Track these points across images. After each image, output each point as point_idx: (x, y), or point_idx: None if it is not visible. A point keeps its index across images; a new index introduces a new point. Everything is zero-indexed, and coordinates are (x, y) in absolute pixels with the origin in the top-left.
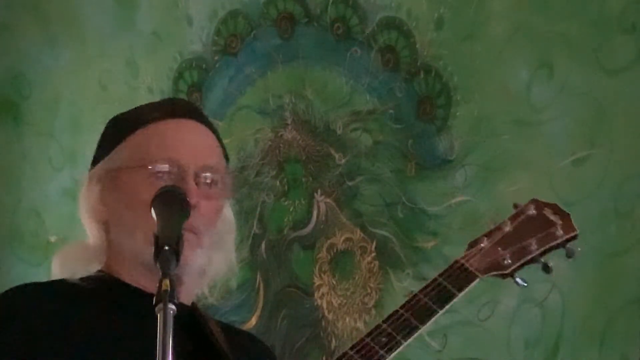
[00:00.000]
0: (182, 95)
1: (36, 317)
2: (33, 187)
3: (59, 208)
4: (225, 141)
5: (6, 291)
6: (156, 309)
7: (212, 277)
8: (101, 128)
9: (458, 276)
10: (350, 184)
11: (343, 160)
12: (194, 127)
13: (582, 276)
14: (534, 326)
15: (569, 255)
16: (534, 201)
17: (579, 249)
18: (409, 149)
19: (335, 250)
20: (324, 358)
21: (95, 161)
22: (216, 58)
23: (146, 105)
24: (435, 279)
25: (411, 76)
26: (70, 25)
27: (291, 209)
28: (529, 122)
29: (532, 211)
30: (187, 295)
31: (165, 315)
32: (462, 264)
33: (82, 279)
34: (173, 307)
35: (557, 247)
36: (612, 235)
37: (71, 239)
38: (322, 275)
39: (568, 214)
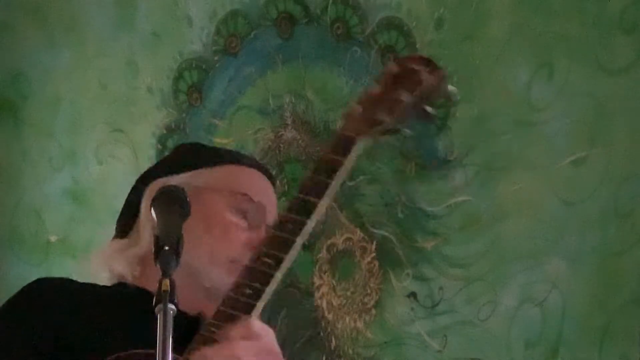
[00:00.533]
0: (182, 95)
1: (63, 313)
2: (33, 187)
3: (59, 208)
4: (225, 141)
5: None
6: (156, 309)
7: None
8: (101, 128)
9: (340, 145)
10: (350, 184)
11: None
12: (269, 186)
13: (582, 276)
14: (534, 326)
15: (446, 95)
16: (395, 59)
17: (455, 89)
18: (409, 149)
19: (335, 250)
20: (324, 358)
21: (167, 169)
22: (216, 58)
23: (223, 149)
24: (320, 157)
25: None
26: (70, 25)
27: None
28: (529, 122)
29: (395, 68)
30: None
31: (165, 315)
32: (341, 133)
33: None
34: (173, 307)
35: (431, 92)
36: (612, 235)
37: (71, 239)
38: (322, 275)
39: (429, 57)
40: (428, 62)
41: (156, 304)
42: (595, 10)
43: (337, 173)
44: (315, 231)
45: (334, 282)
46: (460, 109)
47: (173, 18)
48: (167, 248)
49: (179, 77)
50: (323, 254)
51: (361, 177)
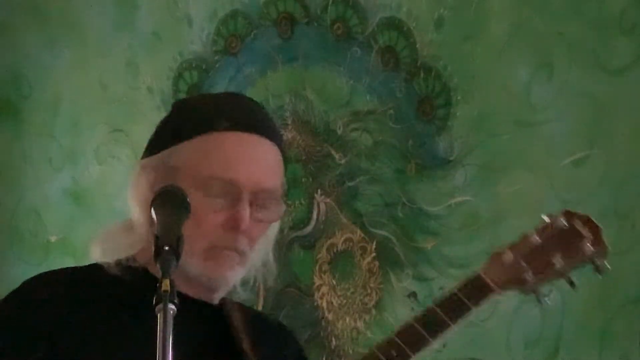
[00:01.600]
0: (182, 96)
1: (64, 305)
2: (33, 187)
3: (59, 208)
4: None
5: (38, 276)
6: (156, 309)
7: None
8: (101, 128)
9: (475, 290)
10: (350, 184)
11: (343, 160)
12: (258, 144)
13: (582, 276)
14: (534, 326)
15: (597, 270)
16: (565, 212)
17: (609, 267)
18: (409, 149)
19: (335, 251)
20: (324, 358)
21: (152, 146)
22: (216, 58)
23: (215, 101)
24: (453, 293)
25: (411, 76)
26: (70, 25)
27: (291, 209)
28: (529, 122)
29: (562, 223)
30: (216, 297)
31: (165, 315)
32: (482, 278)
33: (118, 266)
34: (173, 307)
35: (584, 262)
36: (612, 235)
37: (71, 239)
38: (322, 275)
39: (598, 227)
40: (595, 229)
41: (156, 303)
42: (595, 10)
43: (462, 318)
44: (315, 231)
45: (334, 282)
46: (460, 109)
47: (173, 18)
48: (167, 248)
49: (179, 77)
50: (323, 254)
51: (361, 177)
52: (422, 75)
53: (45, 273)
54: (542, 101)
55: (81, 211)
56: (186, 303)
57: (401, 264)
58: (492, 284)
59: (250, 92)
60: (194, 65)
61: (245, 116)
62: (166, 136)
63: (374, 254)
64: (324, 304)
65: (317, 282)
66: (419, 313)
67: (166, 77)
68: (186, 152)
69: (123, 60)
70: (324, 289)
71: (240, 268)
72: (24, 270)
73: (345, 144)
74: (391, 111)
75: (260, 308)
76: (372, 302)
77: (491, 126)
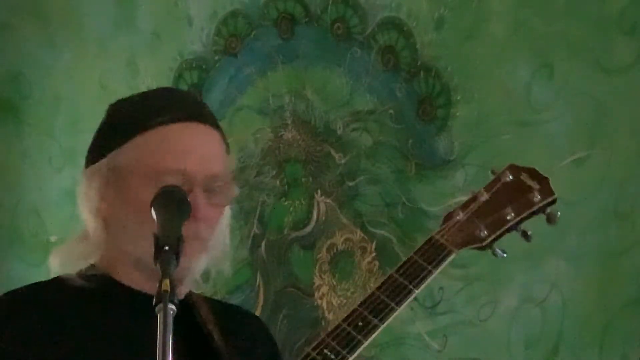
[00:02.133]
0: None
1: (31, 322)
2: (33, 187)
3: (59, 208)
4: None
5: (1, 297)
6: (156, 309)
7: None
8: None
9: (433, 252)
10: (350, 184)
11: (343, 160)
12: (201, 132)
13: (582, 276)
14: (534, 326)
15: (549, 219)
16: (511, 166)
17: (559, 213)
18: (409, 149)
19: (335, 251)
20: None
21: (95, 152)
22: (216, 58)
23: (150, 97)
24: (410, 257)
25: (411, 76)
26: (70, 25)
27: (291, 209)
28: (529, 122)
29: (508, 177)
30: (184, 290)
31: (165, 315)
32: (437, 240)
33: (79, 275)
34: (173, 307)
35: (536, 213)
36: (612, 235)
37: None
38: (322, 275)
39: (546, 177)
40: (543, 180)
41: (156, 303)
42: (595, 10)
43: (424, 282)
44: (315, 231)
45: (334, 282)
46: (460, 109)
47: (173, 18)
48: (167, 248)
49: (179, 77)
50: (323, 254)
51: (361, 177)
52: (422, 75)
53: (6, 294)
54: (542, 101)
55: None
56: (147, 301)
57: None
58: (448, 245)
59: (250, 92)
60: (194, 65)
61: (183, 107)
62: (107, 140)
63: (374, 254)
64: (324, 304)
65: (317, 282)
66: (381, 282)
67: (166, 77)
68: (132, 150)
69: (123, 60)
70: (324, 289)
71: (203, 256)
72: (23, 270)
73: (345, 144)
74: (391, 111)
75: (260, 308)
76: None
77: (491, 126)
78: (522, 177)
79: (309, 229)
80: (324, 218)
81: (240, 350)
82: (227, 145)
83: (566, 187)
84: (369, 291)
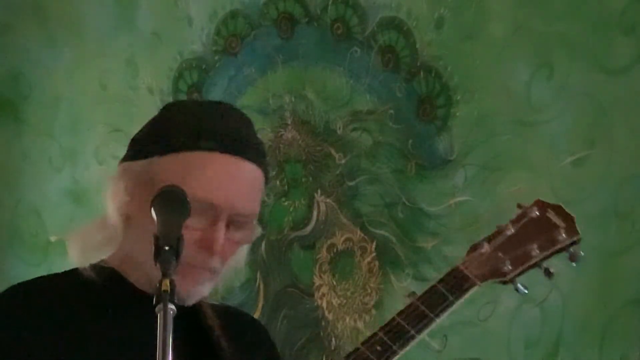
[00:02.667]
0: (182, 96)
1: (40, 316)
2: (33, 187)
3: (59, 208)
4: None
5: (12, 287)
6: (156, 309)
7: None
8: (101, 128)
9: (456, 283)
10: (350, 184)
11: (343, 160)
12: (241, 168)
13: (582, 276)
14: (534, 326)
15: (572, 259)
16: (538, 202)
17: (582, 253)
18: (409, 149)
19: (335, 250)
20: (324, 358)
21: (135, 150)
22: (216, 58)
23: (206, 113)
24: (433, 286)
25: (411, 76)
26: (70, 25)
27: (291, 209)
28: (529, 122)
29: (535, 213)
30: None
31: (165, 315)
32: (461, 271)
33: (94, 269)
34: (173, 307)
35: (559, 251)
36: (612, 235)
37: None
38: (322, 275)
39: (572, 216)
40: (569, 219)
41: (156, 304)
42: (595, 10)
43: (445, 312)
44: (315, 231)
45: (334, 282)
46: (460, 109)
47: (173, 18)
48: (167, 248)
49: (179, 77)
50: (323, 254)
51: (361, 177)
52: (422, 75)
53: (19, 285)
54: (542, 101)
55: (81, 211)
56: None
57: (401, 264)
58: (472, 277)
59: (250, 92)
60: (194, 65)
61: (231, 136)
62: (152, 144)
63: (374, 254)
64: (324, 304)
65: (317, 282)
66: (403, 309)
67: (166, 77)
68: (167, 166)
69: (123, 60)
70: (324, 289)
71: (209, 284)
72: (23, 270)
73: (345, 144)
74: (391, 111)
75: (260, 308)
76: (372, 302)
77: (491, 126)
78: (548, 214)
79: (309, 229)
80: (324, 218)
81: (243, 353)
82: (268, 180)
83: (566, 187)
84: (368, 290)
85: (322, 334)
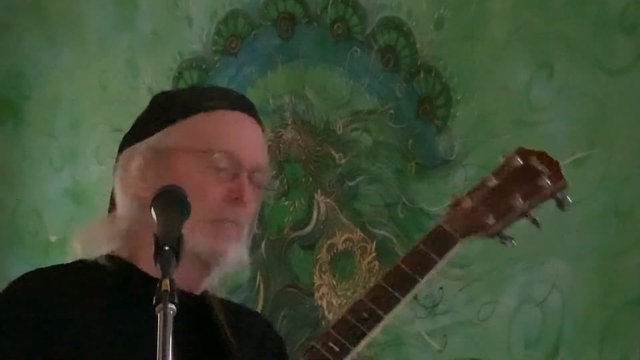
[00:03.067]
0: None
1: (52, 305)
2: (33, 187)
3: (59, 208)
4: None
5: (21, 277)
6: (156, 309)
7: (226, 269)
8: (101, 128)
9: (438, 241)
10: (350, 184)
11: (343, 160)
12: (251, 124)
13: (582, 276)
14: (534, 326)
15: (560, 205)
16: (520, 150)
17: (570, 199)
18: (409, 149)
19: (335, 251)
20: None
21: (135, 135)
22: (216, 58)
23: (201, 89)
24: (416, 246)
25: (411, 76)
26: (70, 25)
27: (291, 209)
28: (529, 122)
29: (517, 162)
30: (201, 286)
31: (165, 315)
32: (442, 228)
33: (101, 258)
34: (173, 307)
35: (545, 198)
36: (612, 235)
37: (71, 239)
38: (322, 275)
39: (556, 161)
40: (552, 164)
41: (156, 303)
42: (595, 10)
43: (429, 272)
44: (315, 231)
45: (334, 282)
46: (460, 109)
47: (173, 18)
48: (167, 248)
49: (179, 77)
50: (323, 254)
51: (361, 177)
52: (422, 75)
53: (34, 272)
54: (542, 101)
55: (81, 211)
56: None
57: None
58: (454, 233)
59: (250, 92)
60: (194, 65)
61: (234, 98)
62: (151, 123)
63: (374, 254)
64: (324, 304)
65: (317, 282)
66: (385, 272)
67: (166, 77)
68: (181, 131)
69: (123, 60)
70: (324, 289)
71: (238, 243)
72: (24, 270)
73: (345, 144)
74: (391, 111)
75: (260, 308)
76: None
77: (491, 126)
78: (531, 162)
79: (309, 229)
80: (324, 218)
81: (251, 349)
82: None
83: None
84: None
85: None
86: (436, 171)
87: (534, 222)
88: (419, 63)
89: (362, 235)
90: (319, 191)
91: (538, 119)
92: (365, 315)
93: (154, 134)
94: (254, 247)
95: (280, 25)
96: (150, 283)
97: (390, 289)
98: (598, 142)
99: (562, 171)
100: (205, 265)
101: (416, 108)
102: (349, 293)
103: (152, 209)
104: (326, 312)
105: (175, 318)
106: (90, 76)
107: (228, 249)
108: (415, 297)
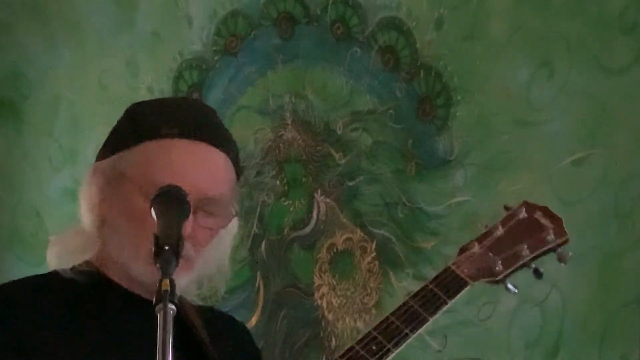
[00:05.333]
0: (182, 95)
1: (27, 316)
2: (33, 187)
3: (59, 208)
4: None
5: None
6: (156, 308)
7: (199, 277)
8: (101, 128)
9: (449, 283)
10: (350, 184)
11: (343, 160)
12: (205, 153)
13: (582, 276)
14: (534, 326)
15: (560, 259)
16: (525, 204)
17: (570, 253)
18: (409, 149)
19: (335, 250)
20: (324, 358)
21: (104, 149)
22: (216, 58)
23: (167, 106)
24: (426, 286)
25: (411, 76)
26: (70, 25)
27: (291, 209)
28: (529, 122)
29: (523, 214)
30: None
31: (165, 315)
32: (453, 271)
33: (73, 270)
34: (173, 307)
35: (548, 251)
36: (612, 235)
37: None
38: (322, 275)
39: (560, 218)
40: (557, 220)
41: (156, 303)
42: (595, 10)
43: (439, 311)
44: (315, 231)
45: (334, 282)
46: (460, 109)
47: (173, 18)
48: (167, 248)
49: (179, 77)
50: (323, 254)
51: (361, 177)
52: (422, 75)
53: (7, 284)
54: (542, 101)
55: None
56: (137, 302)
57: (401, 264)
58: (464, 276)
59: (250, 92)
60: (194, 65)
61: (193, 124)
62: (117, 141)
63: (374, 254)
64: (324, 304)
65: (317, 282)
66: (397, 307)
67: (166, 77)
68: (133, 157)
69: (123, 60)
70: (324, 289)
71: (185, 274)
72: (23, 270)
73: (345, 144)
74: (391, 111)
75: (260, 308)
76: (372, 302)
77: (491, 126)
78: (536, 216)
79: (309, 229)
80: (324, 218)
81: (226, 353)
82: (238, 169)
83: (566, 187)
84: (368, 290)
85: (322, 334)
86: (436, 171)
87: (537, 272)
88: (419, 63)
89: (362, 235)
90: (319, 191)
91: (538, 118)
92: (374, 347)
93: (114, 153)
94: (253, 247)
95: (280, 25)
96: (118, 292)
97: (400, 324)
98: (598, 142)
99: (564, 227)
100: (153, 291)
101: (416, 108)
102: (348, 293)
103: (152, 209)
104: (326, 312)
105: (148, 325)
106: (90, 76)
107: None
108: None
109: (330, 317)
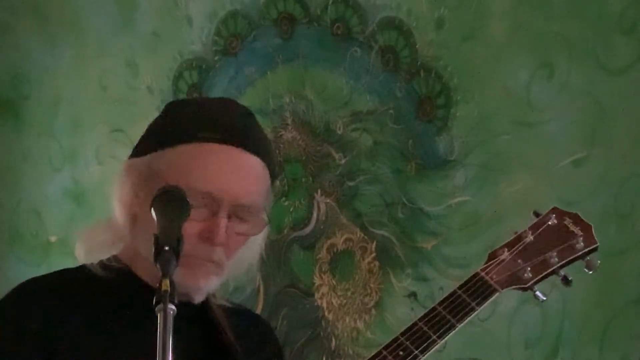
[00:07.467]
0: (182, 96)
1: (54, 309)
2: (33, 187)
3: (59, 208)
4: None
5: (22, 284)
6: (156, 309)
7: (228, 278)
8: (101, 128)
9: (477, 289)
10: (350, 184)
11: (343, 160)
12: (240, 159)
13: (582, 276)
14: (534, 326)
15: (589, 268)
16: (555, 210)
17: (599, 261)
18: (409, 149)
19: (335, 251)
20: (323, 358)
21: (140, 147)
22: (216, 58)
23: (205, 107)
24: (454, 292)
25: (411, 76)
26: (70, 25)
27: (291, 209)
28: (529, 122)
29: (552, 221)
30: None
31: (165, 315)
32: (482, 277)
33: (101, 265)
34: (173, 307)
35: (577, 259)
36: (612, 235)
37: (71, 239)
38: (322, 275)
39: (589, 225)
40: (586, 227)
41: (156, 303)
42: (595, 10)
43: (466, 318)
44: (315, 231)
45: (334, 282)
46: (460, 109)
47: (173, 18)
48: (167, 248)
49: (179, 77)
50: (323, 254)
51: (361, 177)
52: (422, 75)
53: (37, 278)
54: (542, 101)
55: (81, 211)
56: None
57: (401, 264)
58: (493, 283)
59: (250, 92)
60: (194, 65)
61: (230, 128)
62: (154, 139)
63: (374, 254)
64: (324, 304)
65: (317, 282)
66: (424, 313)
67: (166, 77)
68: (168, 159)
69: (123, 60)
70: (324, 289)
71: (215, 277)
72: (23, 270)
73: (345, 144)
74: (391, 111)
75: (260, 308)
76: (372, 302)
77: (491, 126)
78: (565, 222)
79: (309, 229)
80: (324, 218)
81: (250, 352)
82: (274, 174)
83: (566, 187)
84: (368, 290)
85: (322, 334)
86: (436, 171)
87: (565, 280)
88: (419, 63)
89: (362, 235)
90: (319, 191)
91: (538, 119)
92: (401, 353)
93: (152, 151)
94: None
95: (280, 25)
96: (144, 288)
97: (428, 330)
98: (598, 142)
99: (594, 234)
100: (183, 294)
101: (416, 108)
102: (348, 293)
103: (152, 209)
104: (326, 312)
105: (179, 327)
106: (90, 76)
107: (200, 285)
108: (415, 297)
109: (330, 317)
